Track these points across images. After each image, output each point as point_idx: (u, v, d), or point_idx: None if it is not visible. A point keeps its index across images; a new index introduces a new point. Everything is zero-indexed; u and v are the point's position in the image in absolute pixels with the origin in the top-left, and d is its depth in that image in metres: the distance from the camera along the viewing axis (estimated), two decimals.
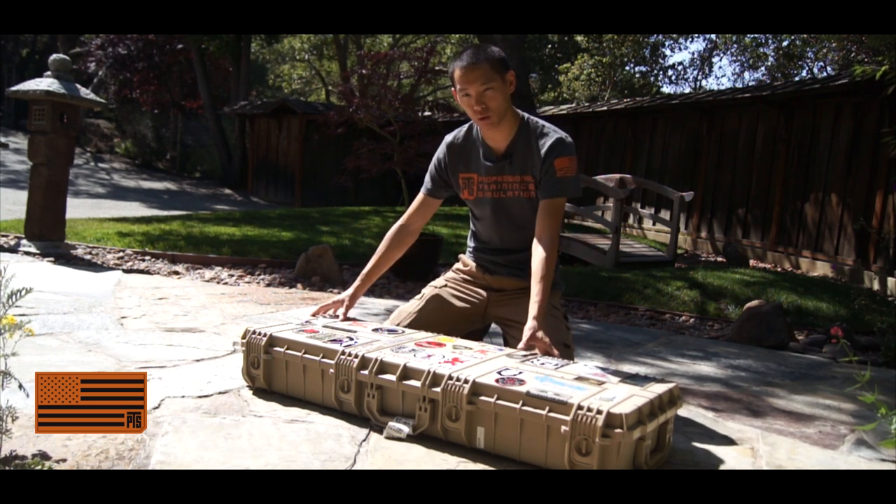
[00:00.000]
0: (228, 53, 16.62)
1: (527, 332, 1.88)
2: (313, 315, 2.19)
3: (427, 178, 2.25)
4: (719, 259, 8.31)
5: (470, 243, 2.31)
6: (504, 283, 2.19)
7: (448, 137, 2.21)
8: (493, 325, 2.36)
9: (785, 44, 15.32)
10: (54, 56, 4.79)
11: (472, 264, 2.25)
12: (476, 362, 1.75)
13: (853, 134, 7.21)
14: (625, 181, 7.41)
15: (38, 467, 1.42)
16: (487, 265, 2.21)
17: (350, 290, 2.20)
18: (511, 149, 2.08)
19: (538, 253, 1.98)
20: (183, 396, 1.91)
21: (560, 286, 2.24)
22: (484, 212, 2.18)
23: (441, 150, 2.21)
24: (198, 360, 2.33)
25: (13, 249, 4.72)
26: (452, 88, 2.09)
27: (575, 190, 2.05)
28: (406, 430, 1.68)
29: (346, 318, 2.16)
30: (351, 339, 1.92)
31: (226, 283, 4.62)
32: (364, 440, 1.68)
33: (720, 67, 46.46)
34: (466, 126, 2.19)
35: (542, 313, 1.91)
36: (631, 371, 1.85)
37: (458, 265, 2.31)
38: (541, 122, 2.12)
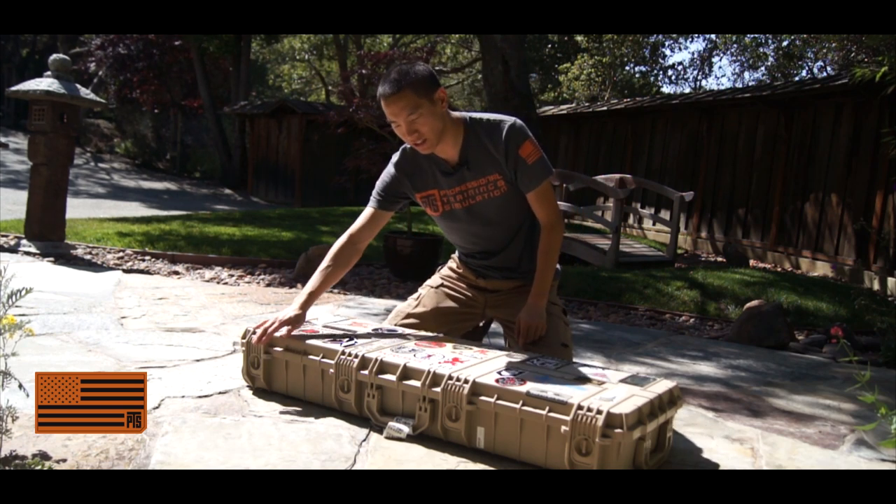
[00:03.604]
0: (228, 53, 16.61)
1: (521, 319, 1.97)
2: (244, 335, 1.99)
3: (377, 192, 2.09)
4: (719, 259, 8.31)
5: (455, 247, 2.25)
6: (498, 285, 2.16)
7: (395, 157, 2.09)
8: (493, 326, 2.35)
9: (785, 44, 15.31)
10: (54, 56, 4.79)
11: (465, 268, 2.21)
12: (476, 362, 1.75)
13: (853, 134, 7.21)
14: (625, 181, 7.40)
15: (38, 467, 1.42)
16: (478, 269, 2.17)
17: (294, 311, 1.95)
18: (464, 155, 1.98)
19: (542, 243, 2.03)
20: (183, 396, 1.91)
21: (557, 274, 2.13)
22: (455, 223, 2.09)
23: (391, 170, 2.08)
24: (198, 360, 2.33)
25: (13, 249, 4.72)
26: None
27: (548, 169, 1.98)
28: (406, 430, 1.68)
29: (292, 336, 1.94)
30: (351, 339, 1.92)
31: (226, 283, 4.62)
32: (364, 440, 1.68)
33: (720, 67, 46.46)
34: (406, 146, 2.06)
35: (537, 302, 1.99)
36: (631, 371, 1.85)
37: (452, 264, 2.26)
38: (483, 115, 2.01)
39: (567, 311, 2.22)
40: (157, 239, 6.02)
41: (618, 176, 7.49)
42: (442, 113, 1.91)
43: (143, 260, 5.27)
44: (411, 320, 2.16)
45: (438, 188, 2.05)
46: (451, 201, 2.05)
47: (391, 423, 1.70)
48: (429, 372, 1.67)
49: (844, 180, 7.27)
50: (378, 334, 1.99)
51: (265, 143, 14.99)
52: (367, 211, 2.09)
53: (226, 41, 15.97)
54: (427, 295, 2.22)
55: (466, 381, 1.62)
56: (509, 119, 1.97)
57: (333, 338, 1.92)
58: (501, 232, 2.08)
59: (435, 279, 2.26)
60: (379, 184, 2.10)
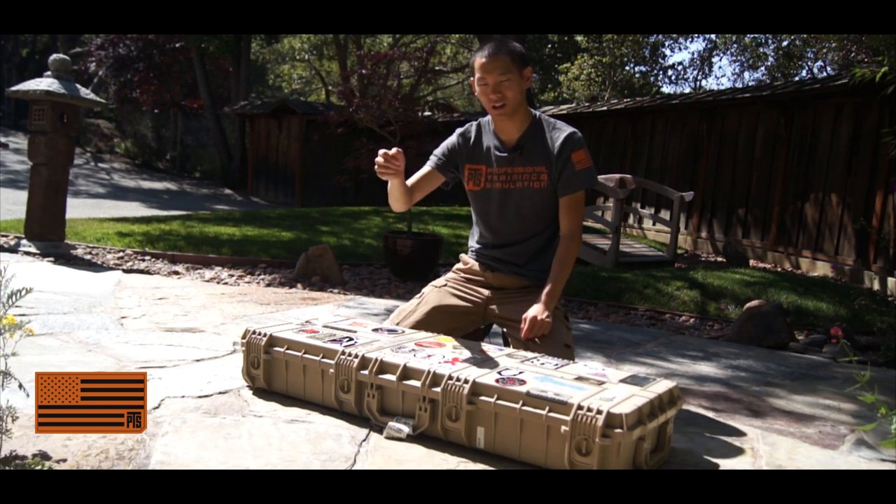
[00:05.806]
0: (228, 53, 16.61)
1: (527, 315, 2.00)
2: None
3: (437, 153, 2.25)
4: (719, 259, 8.30)
5: (471, 242, 2.32)
6: (505, 280, 2.19)
7: (459, 129, 2.26)
8: (494, 327, 2.35)
9: (785, 44, 15.30)
10: (54, 56, 4.78)
11: (473, 262, 2.26)
12: (476, 362, 1.75)
13: (853, 134, 7.21)
14: (625, 181, 7.40)
15: (38, 467, 1.42)
16: (488, 262, 2.22)
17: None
18: (522, 141, 2.14)
19: (560, 251, 2.11)
20: (183, 396, 1.91)
21: None
22: (489, 203, 2.19)
23: (454, 137, 2.25)
24: (198, 360, 2.33)
25: (13, 249, 4.72)
26: (471, 78, 2.15)
27: (593, 180, 2.14)
28: (406, 430, 1.68)
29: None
30: (351, 339, 1.92)
31: (226, 283, 4.62)
32: (364, 440, 1.68)
33: (720, 67, 46.42)
34: (474, 123, 2.25)
35: (545, 307, 2.01)
36: (631, 371, 1.85)
37: (458, 265, 2.31)
38: (552, 119, 2.19)
39: (568, 315, 2.25)
40: (157, 239, 6.02)
41: (618, 176, 7.49)
42: (524, 90, 2.10)
43: (143, 260, 5.27)
44: (414, 317, 2.18)
45: (488, 164, 2.19)
46: (494, 180, 2.17)
47: (391, 423, 1.70)
48: (429, 372, 1.67)
49: (844, 180, 7.27)
50: (378, 334, 2.00)
51: (265, 143, 14.99)
52: (425, 168, 2.25)
53: (226, 41, 15.97)
54: (430, 294, 2.25)
55: (466, 381, 1.62)
56: (573, 128, 2.15)
57: (333, 338, 1.93)
58: (525, 227, 2.17)
59: (439, 280, 2.31)
60: (440, 147, 2.26)
